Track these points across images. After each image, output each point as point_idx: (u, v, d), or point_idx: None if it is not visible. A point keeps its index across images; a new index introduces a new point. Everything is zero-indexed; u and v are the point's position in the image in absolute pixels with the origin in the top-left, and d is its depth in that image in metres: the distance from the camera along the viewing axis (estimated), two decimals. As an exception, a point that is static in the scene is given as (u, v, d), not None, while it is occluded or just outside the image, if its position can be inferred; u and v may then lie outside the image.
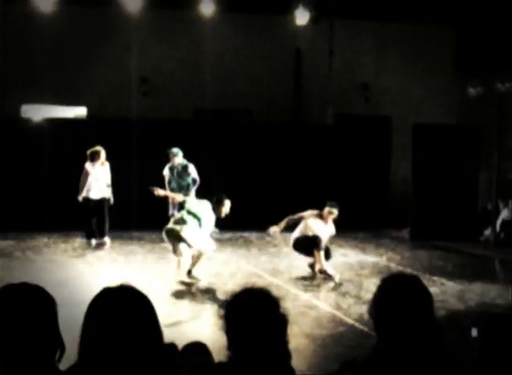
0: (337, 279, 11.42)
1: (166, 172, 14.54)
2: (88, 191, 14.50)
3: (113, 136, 17.01)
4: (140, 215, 15.15)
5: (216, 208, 10.94)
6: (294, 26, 18.84)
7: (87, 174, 14.45)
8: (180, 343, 4.27)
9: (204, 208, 10.93)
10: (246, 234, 16.46)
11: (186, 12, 18.48)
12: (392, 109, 20.18)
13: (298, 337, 7.47)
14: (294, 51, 20.10)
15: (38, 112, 17.97)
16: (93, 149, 14.48)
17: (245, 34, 19.52)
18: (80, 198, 14.50)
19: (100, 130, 17.22)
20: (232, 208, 11.37)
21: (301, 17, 18.80)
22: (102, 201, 14.56)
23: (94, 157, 14.42)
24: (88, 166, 14.46)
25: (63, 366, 2.56)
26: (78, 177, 16.85)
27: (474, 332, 3.18)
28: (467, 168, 16.85)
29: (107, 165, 14.63)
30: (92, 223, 14.56)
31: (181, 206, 13.52)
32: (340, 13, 19.50)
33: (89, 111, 18.77)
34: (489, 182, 17.26)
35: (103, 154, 14.49)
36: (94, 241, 14.51)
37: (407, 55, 20.51)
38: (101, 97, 18.45)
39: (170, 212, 14.36)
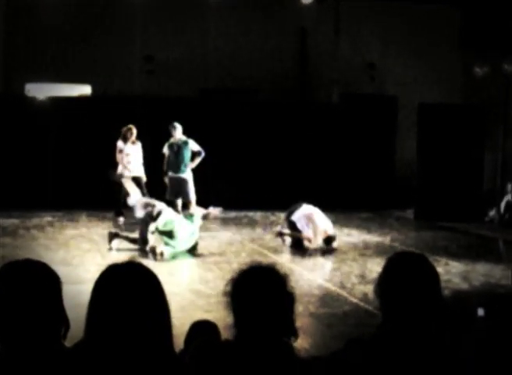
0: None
1: (165, 149, 14.58)
2: (121, 169, 14.62)
3: (117, 114, 16.98)
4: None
5: None
6: (299, 5, 18.73)
7: (120, 152, 14.57)
8: (186, 321, 4.28)
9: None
10: (250, 213, 16.44)
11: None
12: (397, 89, 20.11)
13: (302, 316, 7.47)
14: (299, 30, 20.00)
15: (42, 91, 17.94)
16: (125, 127, 14.61)
17: (250, 13, 19.40)
18: (121, 176, 14.61)
19: (104, 109, 17.23)
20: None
21: (307, -4, 18.69)
22: (135, 180, 14.63)
23: (126, 135, 14.54)
24: (120, 144, 14.57)
25: (67, 343, 2.56)
26: (82, 155, 16.90)
27: (481, 312, 3.17)
28: (472, 148, 16.78)
29: (138, 143, 14.78)
30: (122, 202, 14.58)
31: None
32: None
33: (93, 89, 18.73)
34: (494, 162, 17.22)
35: (134, 132, 14.62)
36: (122, 219, 14.48)
37: (413, 35, 20.38)
38: (106, 75, 18.39)
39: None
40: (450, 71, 20.41)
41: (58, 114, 16.99)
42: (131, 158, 14.66)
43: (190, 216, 11.97)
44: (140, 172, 14.81)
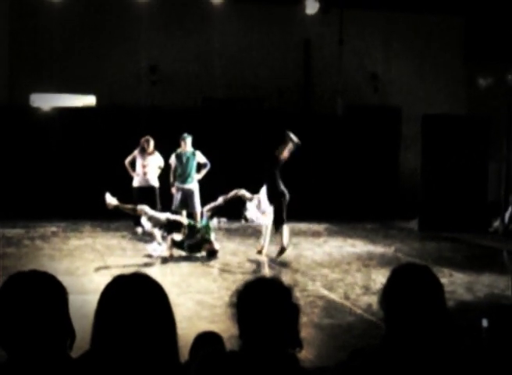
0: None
1: (173, 159, 14.55)
2: (136, 179, 14.99)
3: (122, 124, 17.04)
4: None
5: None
6: (304, 15, 18.78)
7: (133, 161, 14.98)
8: (191, 332, 4.28)
9: None
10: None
11: (196, 1, 18.45)
12: (401, 100, 20.12)
13: (307, 327, 7.47)
14: (304, 41, 20.03)
15: (47, 101, 17.98)
16: (143, 138, 14.92)
17: (255, 24, 19.46)
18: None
19: (109, 119, 17.26)
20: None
21: (311, 7, 18.72)
22: (151, 189, 14.86)
23: (144, 146, 14.87)
24: (137, 153, 14.91)
25: (73, 354, 2.56)
26: (87, 166, 16.94)
27: (485, 322, 3.17)
28: (476, 159, 16.76)
29: (156, 154, 15.03)
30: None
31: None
32: (350, 3, 19.41)
33: (98, 100, 18.76)
34: (498, 173, 17.21)
35: (151, 143, 14.90)
36: (140, 229, 14.47)
37: (417, 46, 20.43)
38: (110, 85, 18.43)
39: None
40: (454, 82, 20.44)
41: (63, 124, 17.02)
42: (148, 169, 14.95)
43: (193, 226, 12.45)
44: (154, 182, 15.11)
